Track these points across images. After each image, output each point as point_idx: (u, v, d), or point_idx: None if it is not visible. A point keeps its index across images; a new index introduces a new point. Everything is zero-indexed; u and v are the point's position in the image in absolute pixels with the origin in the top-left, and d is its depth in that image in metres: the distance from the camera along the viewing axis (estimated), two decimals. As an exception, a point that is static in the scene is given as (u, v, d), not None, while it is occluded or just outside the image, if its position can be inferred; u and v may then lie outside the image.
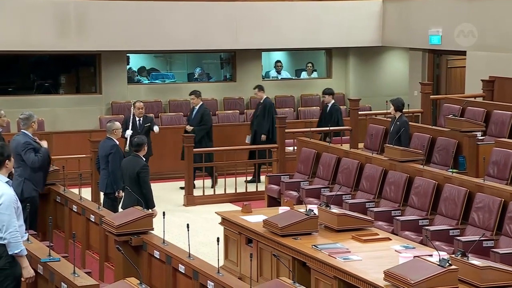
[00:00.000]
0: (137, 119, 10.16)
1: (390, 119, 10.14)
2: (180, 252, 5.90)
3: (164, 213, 6.18)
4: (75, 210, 7.59)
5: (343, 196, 8.61)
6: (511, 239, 6.85)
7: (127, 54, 14.10)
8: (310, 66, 15.28)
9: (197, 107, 11.29)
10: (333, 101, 11.60)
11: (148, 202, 7.26)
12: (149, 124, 10.22)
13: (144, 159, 7.71)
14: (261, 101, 11.76)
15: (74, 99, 13.63)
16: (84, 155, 10.56)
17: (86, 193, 9.34)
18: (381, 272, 5.39)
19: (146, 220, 6.37)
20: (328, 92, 11.64)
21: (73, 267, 5.22)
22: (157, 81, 14.68)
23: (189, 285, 5.64)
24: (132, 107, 10.23)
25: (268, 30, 13.80)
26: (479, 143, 9.47)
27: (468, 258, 5.35)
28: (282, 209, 7.26)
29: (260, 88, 11.84)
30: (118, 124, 8.46)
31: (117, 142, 8.33)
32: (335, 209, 6.95)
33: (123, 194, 7.89)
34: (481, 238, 6.62)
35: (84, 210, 7.41)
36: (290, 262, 6.36)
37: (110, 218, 6.56)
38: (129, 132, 9.88)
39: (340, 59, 15.05)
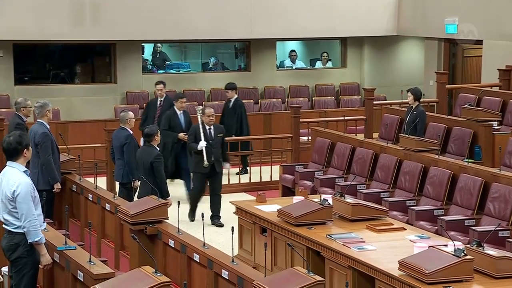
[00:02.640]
0: (207, 127, 8.72)
1: (405, 109, 10.10)
2: (195, 241, 5.92)
3: (178, 202, 6.20)
4: (91, 199, 7.64)
5: (358, 186, 8.59)
6: (527, 230, 6.81)
7: (142, 44, 14.11)
8: (325, 56, 15.23)
9: (232, 100, 10.92)
10: (236, 96, 11.09)
11: (162, 191, 7.29)
12: (222, 134, 8.86)
13: (158, 149, 7.72)
14: (232, 101, 11.07)
15: (89, 88, 13.69)
16: (99, 145, 10.61)
17: (102, 182, 9.39)
18: (396, 262, 5.38)
19: (161, 209, 6.40)
20: (230, 87, 11.12)
21: (89, 255, 5.26)
22: (171, 70, 14.70)
23: (204, 274, 5.66)
24: (200, 113, 8.73)
25: (282, 20, 13.76)
26: (495, 132, 9.41)
27: (483, 248, 5.33)
28: (296, 198, 7.26)
29: (231, 87, 11.14)
30: (131, 113, 8.47)
31: (131, 132, 8.35)
32: (349, 199, 6.94)
33: (139, 183, 7.92)
34: (497, 228, 6.59)
35: (100, 199, 7.45)
36: (305, 252, 6.37)
37: (125, 207, 6.60)
38: (203, 144, 8.60)
39: (355, 49, 14.98)
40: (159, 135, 7.72)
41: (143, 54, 14.39)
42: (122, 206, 6.68)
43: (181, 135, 9.59)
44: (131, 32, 13.02)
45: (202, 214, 5.94)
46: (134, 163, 8.03)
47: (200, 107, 9.00)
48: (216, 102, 13.87)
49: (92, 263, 5.16)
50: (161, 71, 14.67)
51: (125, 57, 13.66)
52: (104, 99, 13.44)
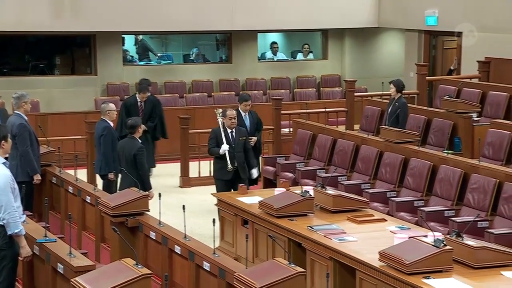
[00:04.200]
0: (229, 131, 8.11)
1: (386, 101, 10.14)
2: (176, 233, 5.92)
3: (160, 194, 6.19)
4: (71, 192, 7.60)
5: (339, 177, 8.63)
6: (505, 220, 6.88)
7: (122, 35, 14.03)
8: (306, 48, 15.24)
9: (247, 114, 8.98)
10: (149, 93, 10.42)
11: (144, 184, 7.26)
12: (245, 137, 8.20)
13: (140, 141, 7.69)
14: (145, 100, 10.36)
15: (69, 80, 13.58)
16: (79, 136, 10.54)
17: (82, 174, 9.33)
18: (376, 253, 5.41)
19: (142, 201, 6.38)
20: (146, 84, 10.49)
21: (69, 248, 5.23)
22: (152, 62, 14.63)
23: (185, 266, 5.66)
24: (220, 116, 8.14)
25: (264, 11, 13.73)
26: (474, 124, 9.48)
27: (462, 239, 5.37)
28: (277, 190, 7.27)
29: (142, 88, 10.35)
30: (112, 105, 8.43)
31: (111, 124, 8.31)
32: (330, 190, 6.96)
33: (116, 176, 7.89)
34: (476, 219, 6.65)
35: (80, 191, 7.41)
36: (286, 243, 6.38)
37: (106, 199, 6.57)
38: (225, 147, 8.02)
39: (336, 41, 15.01)
40: (142, 127, 7.68)
41: (124, 45, 14.31)
42: (103, 198, 6.65)
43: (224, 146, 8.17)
44: (111, 23, 12.92)
45: (183, 206, 5.92)
46: (111, 155, 7.99)
47: (220, 109, 8.26)
48: (198, 94, 13.85)
49: (72, 256, 5.14)
50: (142, 63, 14.60)
51: (106, 48, 13.57)
52: (84, 91, 13.35)
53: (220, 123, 8.13)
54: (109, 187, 8.13)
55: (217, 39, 15.39)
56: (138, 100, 10.15)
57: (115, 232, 5.44)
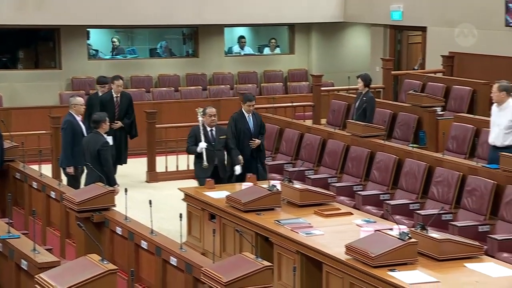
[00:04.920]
0: (208, 129, 8.01)
1: (353, 95, 10.20)
2: (143, 229, 5.88)
3: (126, 189, 6.14)
4: (35, 187, 7.50)
5: (306, 171, 8.66)
6: (469, 212, 6.99)
7: (87, 29, 13.86)
8: (273, 42, 15.25)
9: (250, 115, 8.53)
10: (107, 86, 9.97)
11: (109, 179, 7.19)
12: (225, 136, 8.11)
13: (105, 136, 7.61)
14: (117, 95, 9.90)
15: (33, 74, 13.38)
16: (44, 131, 10.40)
17: (47, 169, 9.21)
18: (343, 246, 5.45)
19: (108, 196, 6.33)
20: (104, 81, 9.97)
21: (33, 244, 5.16)
22: (118, 56, 14.49)
23: (152, 261, 5.63)
24: (200, 114, 8.05)
25: (231, 6, 13.70)
26: (438, 118, 9.60)
27: (427, 231, 5.44)
28: (245, 185, 7.28)
29: (104, 81, 9.94)
30: (78, 99, 8.35)
31: (76, 117, 8.23)
32: (297, 185, 6.99)
33: (77, 171, 7.81)
34: (440, 212, 6.74)
35: (45, 186, 7.32)
36: (253, 238, 6.39)
37: (71, 194, 6.50)
38: (203, 145, 7.94)
39: (303, 35, 15.05)
40: (107, 122, 7.60)
41: (88, 39, 14.15)
42: (68, 193, 6.57)
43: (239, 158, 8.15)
44: (76, 17, 12.76)
45: (150, 201, 5.88)
46: (69, 149, 7.94)
47: (201, 108, 8.12)
48: (164, 89, 13.77)
49: (36, 252, 5.07)
50: (108, 57, 14.45)
51: (70, 42, 13.40)
52: (49, 85, 13.17)
53: (200, 121, 8.03)
54: (73, 182, 8.05)
55: (183, 33, 15.31)
56: (114, 95, 9.87)
57: (80, 228, 5.39)
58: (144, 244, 5.71)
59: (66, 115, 8.31)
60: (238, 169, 8.17)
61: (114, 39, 14.49)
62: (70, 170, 8.14)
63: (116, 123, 9.75)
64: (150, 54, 14.91)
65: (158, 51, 14.80)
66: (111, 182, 7.22)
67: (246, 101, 8.38)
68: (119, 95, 9.84)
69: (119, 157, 9.84)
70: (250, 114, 8.36)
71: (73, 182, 8.04)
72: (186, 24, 14.27)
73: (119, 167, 9.90)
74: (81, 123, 8.32)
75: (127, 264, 5.94)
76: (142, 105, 11.92)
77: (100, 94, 9.92)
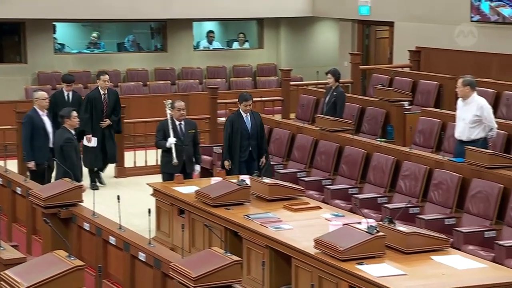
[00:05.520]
0: (177, 123, 7.90)
1: (322, 90, 10.24)
2: (111, 224, 5.84)
3: (97, 185, 6.08)
4: (0, 183, 7.39)
5: (275, 166, 8.67)
6: (435, 206, 7.07)
7: (53, 23, 13.68)
8: (242, 37, 15.23)
9: (248, 115, 8.13)
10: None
11: (74, 176, 7.11)
12: (194, 130, 7.99)
13: (73, 132, 7.51)
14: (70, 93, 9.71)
15: (-3, 68, 13.18)
16: (9, 126, 10.24)
17: (12, 165, 9.09)
18: (312, 240, 5.47)
19: (75, 192, 6.27)
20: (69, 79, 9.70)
21: (-1, 241, 5.09)
22: (85, 51, 14.33)
23: (120, 257, 5.59)
24: (169, 108, 7.91)
25: (199, 0, 13.64)
26: (406, 112, 9.69)
27: (395, 225, 5.49)
28: (214, 179, 7.26)
29: (65, 80, 9.74)
30: (41, 93, 8.27)
31: (38, 112, 8.15)
32: (266, 179, 7.00)
33: (37, 166, 7.75)
34: (407, 205, 6.81)
35: (10, 182, 7.23)
36: (222, 232, 6.39)
37: (37, 190, 6.42)
38: (172, 140, 7.81)
39: (272, 30, 15.06)
40: (74, 118, 7.49)
41: (55, 33, 13.96)
42: (34, 189, 6.49)
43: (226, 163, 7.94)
44: (42, 11, 12.58)
45: (118, 196, 5.84)
46: (28, 143, 7.90)
47: (169, 101, 8.00)
48: (132, 83, 13.66)
49: (2, 248, 5.01)
50: (75, 51, 14.29)
51: (36, 36, 13.21)
52: (14, 80, 12.97)
53: (168, 115, 7.87)
54: (35, 177, 7.93)
55: (151, 28, 15.20)
56: (101, 92, 9.61)
57: (47, 224, 5.32)
58: (112, 240, 5.67)
59: (30, 110, 8.24)
60: (197, 169, 8.15)
61: (94, 34, 14.30)
62: (31, 165, 8.04)
63: (105, 121, 9.56)
64: (118, 48, 14.77)
65: (125, 45, 14.67)
66: (76, 179, 7.14)
67: (242, 101, 8.04)
68: (106, 91, 9.56)
69: (110, 156, 9.66)
70: (248, 114, 8.02)
71: (36, 177, 7.93)
72: (154, 18, 14.17)
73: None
74: (43, 118, 8.21)
75: (95, 260, 5.90)
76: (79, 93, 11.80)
77: (65, 92, 9.75)
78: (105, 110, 9.60)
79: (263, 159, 8.02)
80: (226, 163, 7.89)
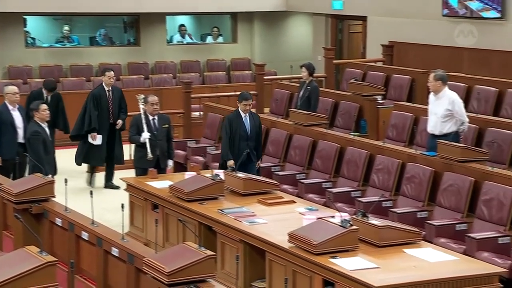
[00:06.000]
0: (150, 117, 7.85)
1: (296, 84, 10.26)
2: (83, 219, 5.79)
3: (66, 180, 6.03)
4: (-30, 179, 7.29)
5: (249, 160, 8.66)
6: (408, 199, 7.13)
7: (24, 16, 13.50)
8: (216, 31, 15.19)
9: (247, 115, 7.89)
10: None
11: (41, 170, 7.03)
12: (168, 126, 7.95)
13: (44, 125, 7.42)
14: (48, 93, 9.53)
15: (-33, 62, 13.00)
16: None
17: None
18: (286, 234, 5.48)
19: (47, 187, 6.20)
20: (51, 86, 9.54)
21: (-31, 237, 5.02)
22: (57, 45, 14.17)
23: (93, 252, 5.55)
24: (142, 102, 7.88)
25: (172, -6, 13.59)
26: (379, 106, 9.75)
27: (368, 218, 5.53)
28: (188, 174, 7.24)
29: (47, 88, 9.47)
30: (10, 88, 8.19)
31: (8, 107, 8.07)
32: (241, 174, 6.99)
33: (6, 162, 7.67)
34: (380, 199, 6.86)
35: (-20, 178, 7.12)
36: (196, 227, 6.37)
37: (8, 185, 6.35)
38: (146, 135, 7.77)
39: (246, 24, 15.04)
40: (43, 111, 7.41)
41: (25, 27, 13.78)
42: (5, 184, 6.41)
43: (230, 162, 7.63)
44: (12, 4, 12.42)
45: (91, 191, 5.79)
46: None
47: (142, 95, 7.95)
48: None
49: (-28, 246, 4.93)
50: (46, 45, 14.12)
51: (6, 30, 13.04)
52: (-16, 74, 12.81)
53: (141, 109, 7.82)
54: (3, 173, 7.82)
55: (124, 22, 15.08)
56: (106, 89, 9.27)
57: (18, 220, 5.26)
58: (85, 235, 5.62)
59: (1, 105, 8.13)
60: (170, 164, 8.05)
61: (66, 28, 14.12)
62: None
63: (117, 123, 9.26)
64: (90, 42, 14.64)
65: (97, 39, 14.54)
66: (42, 172, 7.06)
67: (242, 100, 7.75)
68: (110, 88, 9.18)
69: (117, 157, 9.37)
70: (247, 114, 7.75)
71: (3, 173, 7.80)
72: (126, 12, 14.06)
73: (60, 157, 9.70)
74: (13, 113, 8.10)
75: (67, 256, 5.85)
76: (82, 94, 11.69)
77: (45, 95, 9.53)
78: (110, 107, 9.23)
79: (259, 162, 7.80)
80: (230, 162, 7.51)
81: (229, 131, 7.67)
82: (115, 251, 5.24)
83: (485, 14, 11.01)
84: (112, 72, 9.26)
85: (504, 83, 9.25)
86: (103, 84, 9.30)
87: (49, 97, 9.63)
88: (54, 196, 6.25)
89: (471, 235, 6.22)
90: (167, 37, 14.68)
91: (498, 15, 10.87)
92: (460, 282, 4.89)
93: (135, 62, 14.05)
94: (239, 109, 7.82)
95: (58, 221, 5.97)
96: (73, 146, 11.02)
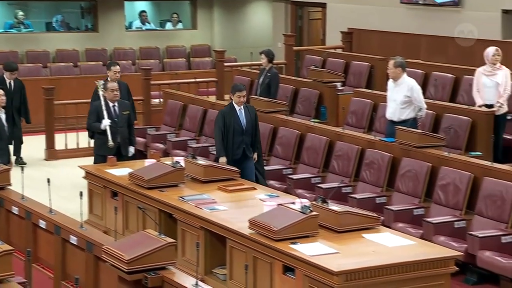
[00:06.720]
0: (110, 104, 7.72)
1: (256, 71, 10.25)
2: (41, 208, 5.71)
3: (22, 167, 5.93)
4: None
5: (210, 147, 8.65)
6: (367, 185, 7.21)
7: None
8: (175, 17, 15.06)
9: (242, 108, 7.45)
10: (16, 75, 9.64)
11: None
12: (128, 112, 7.81)
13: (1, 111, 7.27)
14: (11, 81, 9.50)
15: None
16: None
17: None
18: (246, 221, 5.49)
19: (2, 175, 6.09)
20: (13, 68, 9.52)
21: None
22: (12, 30, 13.87)
23: (51, 241, 5.48)
24: (101, 89, 7.71)
25: (131, -21, 13.42)
26: (339, 93, 9.81)
27: (328, 204, 5.57)
28: (148, 161, 7.19)
29: (8, 68, 9.43)
30: None
31: None
32: (201, 161, 6.97)
33: None
34: (340, 185, 6.92)
35: None
36: (157, 214, 6.34)
37: (-38, 175, 6.21)
38: (106, 122, 7.64)
39: (205, 10, 14.95)
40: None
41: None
42: (-41, 174, 6.27)
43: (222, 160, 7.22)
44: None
45: (48, 179, 5.70)
46: None
47: (101, 81, 7.79)
48: (62, 64, 13.33)
49: None
50: (0, 30, 13.81)
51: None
52: None
53: (101, 96, 7.65)
54: None
55: (81, 7, 14.83)
56: (6, 79, 9.02)
57: (-27, 209, 5.17)
58: (42, 224, 5.55)
59: None
60: (131, 150, 7.86)
61: (21, 13, 13.80)
62: None
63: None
64: (46, 28, 14.37)
65: (54, 25, 14.27)
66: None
67: (235, 92, 7.28)
68: (116, 83, 8.41)
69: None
70: (242, 107, 7.29)
71: None
72: (84, -3, 13.86)
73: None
74: None
75: (24, 244, 5.76)
76: (39, 81, 11.52)
77: (7, 80, 9.33)
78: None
79: (254, 156, 7.34)
80: (222, 160, 7.15)
81: (222, 126, 7.22)
82: (73, 239, 5.18)
83: (442, 1, 11.14)
84: (118, 67, 8.74)
85: (460, 69, 9.39)
86: (109, 79, 8.64)
87: (12, 83, 9.43)
88: (10, 184, 6.15)
89: (428, 219, 6.33)
90: (125, 23, 14.50)
91: (454, 2, 11.02)
92: (417, 266, 4.97)
93: (93, 49, 13.86)
94: (233, 102, 7.32)
95: (15, 210, 5.87)
96: (32, 134, 10.86)
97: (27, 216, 5.74)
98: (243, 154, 7.26)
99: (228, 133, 7.23)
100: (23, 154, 9.95)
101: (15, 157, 9.71)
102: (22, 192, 5.92)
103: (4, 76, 9.50)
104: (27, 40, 13.51)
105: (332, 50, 11.88)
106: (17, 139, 9.80)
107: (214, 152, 8.41)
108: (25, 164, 9.54)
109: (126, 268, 4.44)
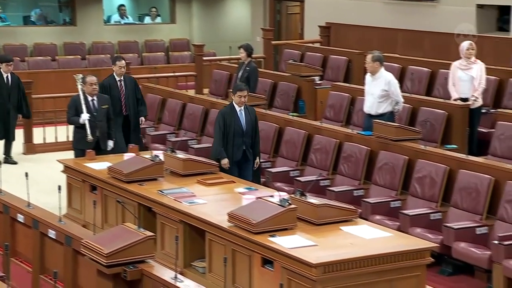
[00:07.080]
0: (89, 98, 7.68)
1: (235, 65, 10.26)
2: (19, 202, 5.69)
3: (0, 162, 5.89)
4: None
5: (189, 141, 8.67)
6: (345, 178, 7.28)
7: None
8: (154, 11, 15.02)
9: (242, 109, 7.22)
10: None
11: None
12: (107, 106, 7.77)
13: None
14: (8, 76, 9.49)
15: None
16: None
17: None
18: (225, 214, 5.53)
19: (-20, 170, 6.06)
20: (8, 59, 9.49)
21: None
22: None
23: (29, 235, 5.47)
24: (80, 83, 7.65)
25: (109, -28, 13.36)
26: (317, 87, 9.87)
27: (306, 197, 5.62)
28: (127, 155, 7.19)
29: (4, 59, 9.45)
30: None
31: None
32: (180, 154, 6.99)
33: None
34: (318, 178, 6.97)
35: None
36: (136, 208, 6.35)
37: None
38: (85, 116, 7.60)
39: (184, 4, 14.93)
40: None
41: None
42: None
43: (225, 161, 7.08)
44: None
45: (26, 173, 5.69)
46: None
47: (80, 75, 7.73)
48: (40, 58, 13.25)
49: None
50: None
51: None
52: None
53: (80, 90, 7.63)
54: None
55: (59, 1, 14.74)
56: (117, 79, 8.51)
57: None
58: (20, 218, 5.53)
59: None
60: (110, 145, 7.82)
61: None
62: None
63: (140, 122, 8.58)
64: (24, 22, 14.26)
65: (32, 19, 14.17)
66: None
67: (236, 92, 7.08)
68: (122, 78, 8.48)
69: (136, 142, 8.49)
70: (242, 108, 7.11)
71: None
72: (62, -9, 13.77)
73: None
74: None
75: (2, 239, 5.74)
76: (16, 74, 11.41)
77: (4, 74, 9.24)
78: (123, 99, 8.51)
79: (257, 161, 7.19)
80: (224, 161, 7.00)
81: (222, 127, 7.05)
82: (52, 233, 5.18)
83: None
84: (123, 61, 8.54)
85: (436, 63, 9.49)
86: (114, 74, 8.53)
87: (9, 77, 9.34)
88: (-13, 179, 6.11)
89: (405, 211, 6.41)
90: (104, 17, 14.43)
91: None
92: (394, 258, 5.04)
93: (71, 43, 13.78)
94: (233, 102, 7.13)
95: (-7, 205, 5.85)
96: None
97: (5, 210, 5.72)
98: (244, 155, 7.13)
99: (228, 134, 7.09)
100: (0, 148, 9.89)
101: (4, 156, 9.62)
102: (0, 186, 5.89)
103: (1, 70, 9.39)
104: (5, 33, 13.40)
105: (310, 44, 11.93)
106: (11, 137, 9.63)
107: (193, 145, 8.44)
108: (15, 163, 9.52)
109: (105, 261, 4.46)
